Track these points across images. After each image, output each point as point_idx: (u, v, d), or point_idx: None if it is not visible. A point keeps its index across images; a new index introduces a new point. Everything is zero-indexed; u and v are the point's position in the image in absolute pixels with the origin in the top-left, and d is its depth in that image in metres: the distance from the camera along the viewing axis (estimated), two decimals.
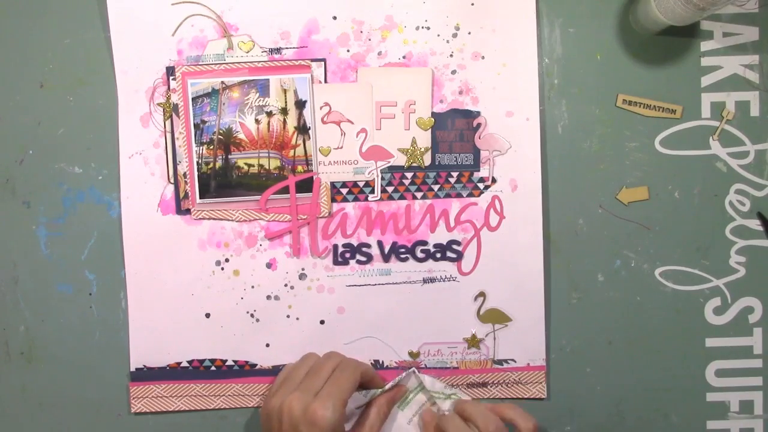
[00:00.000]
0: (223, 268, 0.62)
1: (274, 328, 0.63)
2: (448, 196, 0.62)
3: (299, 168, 0.62)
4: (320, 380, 0.54)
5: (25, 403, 0.64)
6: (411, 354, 0.63)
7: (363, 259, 0.63)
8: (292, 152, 0.61)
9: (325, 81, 0.61)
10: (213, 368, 0.63)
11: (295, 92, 0.61)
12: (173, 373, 0.63)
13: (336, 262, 0.63)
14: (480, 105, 0.62)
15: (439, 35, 0.61)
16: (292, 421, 0.52)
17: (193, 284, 0.63)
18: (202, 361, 0.63)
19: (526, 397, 0.63)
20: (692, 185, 0.63)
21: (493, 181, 0.62)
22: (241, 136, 0.61)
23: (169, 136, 0.62)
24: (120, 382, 0.63)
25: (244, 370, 0.63)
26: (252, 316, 0.63)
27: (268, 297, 0.63)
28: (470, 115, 0.62)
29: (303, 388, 0.54)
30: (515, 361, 0.63)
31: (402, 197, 0.62)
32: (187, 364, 0.63)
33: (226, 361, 0.63)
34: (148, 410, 0.63)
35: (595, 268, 0.63)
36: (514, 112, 0.62)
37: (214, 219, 0.62)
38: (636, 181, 0.63)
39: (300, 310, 0.63)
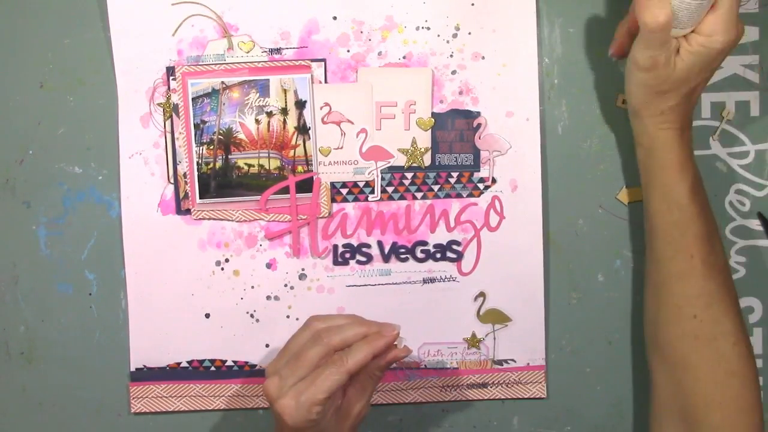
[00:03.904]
0: (223, 269, 0.62)
1: (274, 328, 0.63)
2: (448, 196, 0.62)
3: (299, 168, 0.62)
4: (302, 369, 0.51)
5: (25, 403, 0.64)
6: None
7: (363, 259, 0.63)
8: (292, 152, 0.61)
9: (325, 81, 0.61)
10: (213, 368, 0.63)
11: (295, 92, 0.61)
12: (173, 373, 0.63)
13: (336, 263, 0.63)
14: (480, 105, 0.62)
15: (439, 35, 0.61)
16: (269, 402, 0.51)
17: (193, 284, 0.63)
18: (201, 362, 0.63)
19: (526, 396, 0.63)
20: None
21: (493, 181, 0.62)
22: (241, 136, 0.61)
23: (169, 136, 0.62)
24: (120, 382, 0.63)
25: (244, 371, 0.63)
26: (252, 316, 0.63)
27: (268, 297, 0.63)
28: (470, 116, 0.62)
29: (284, 373, 0.51)
30: (515, 361, 0.63)
31: (402, 197, 0.62)
32: (187, 365, 0.63)
33: (225, 361, 0.63)
34: (148, 410, 0.63)
35: (595, 268, 0.63)
36: (514, 112, 0.62)
37: (214, 219, 0.62)
38: (636, 181, 0.63)
39: (300, 310, 0.63)
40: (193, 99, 0.61)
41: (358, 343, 0.51)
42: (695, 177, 0.56)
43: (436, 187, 0.62)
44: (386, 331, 0.52)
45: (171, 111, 0.61)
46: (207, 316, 0.63)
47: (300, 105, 0.61)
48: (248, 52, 0.61)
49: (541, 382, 0.63)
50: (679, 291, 0.55)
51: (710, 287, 0.55)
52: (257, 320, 0.63)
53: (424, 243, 0.63)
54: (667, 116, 0.55)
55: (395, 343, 0.52)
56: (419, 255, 0.63)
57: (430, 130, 0.62)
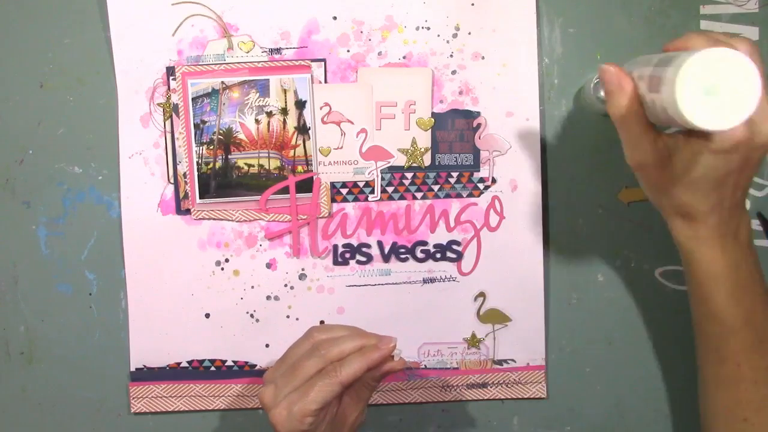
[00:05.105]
0: (223, 269, 0.62)
1: (274, 328, 0.63)
2: (448, 196, 0.62)
3: (299, 168, 0.62)
4: (297, 380, 0.51)
5: (25, 403, 0.64)
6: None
7: (363, 259, 0.63)
8: (292, 152, 0.61)
9: (325, 81, 0.61)
10: (213, 368, 0.63)
11: (295, 92, 0.61)
12: (173, 373, 0.63)
13: (336, 263, 0.63)
14: (480, 105, 0.62)
15: (439, 35, 0.61)
16: (264, 410, 0.51)
17: (193, 284, 0.63)
18: (201, 362, 0.63)
19: (525, 397, 0.63)
20: None
21: (493, 181, 0.62)
22: (241, 136, 0.61)
23: (169, 136, 0.62)
24: (120, 382, 0.64)
25: (244, 371, 0.63)
26: (252, 316, 0.63)
27: (268, 297, 0.63)
28: (470, 116, 0.62)
29: (281, 381, 0.51)
30: (515, 361, 0.63)
31: (402, 197, 0.62)
32: (187, 365, 0.63)
33: (225, 361, 0.63)
34: (148, 410, 0.63)
35: (595, 268, 0.63)
36: (514, 112, 0.62)
37: (214, 219, 0.62)
38: (636, 181, 0.62)
39: (300, 310, 0.63)
40: (193, 99, 0.61)
41: (353, 354, 0.51)
42: (736, 286, 0.50)
43: (436, 187, 0.62)
44: (383, 344, 0.52)
45: (171, 111, 0.61)
46: (207, 316, 0.63)
47: (300, 105, 0.61)
48: (248, 52, 0.61)
49: (541, 382, 0.63)
50: (729, 395, 0.52)
51: (762, 392, 0.51)
52: (257, 320, 0.63)
53: (424, 243, 0.63)
54: (689, 224, 0.49)
55: (392, 355, 0.52)
56: (419, 255, 0.63)
57: (430, 130, 0.62)
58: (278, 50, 0.61)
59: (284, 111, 0.61)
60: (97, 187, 0.62)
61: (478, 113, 0.62)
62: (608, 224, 0.63)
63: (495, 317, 0.63)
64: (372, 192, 0.62)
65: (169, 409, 0.63)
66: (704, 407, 0.55)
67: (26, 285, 0.63)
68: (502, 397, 0.64)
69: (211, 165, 0.61)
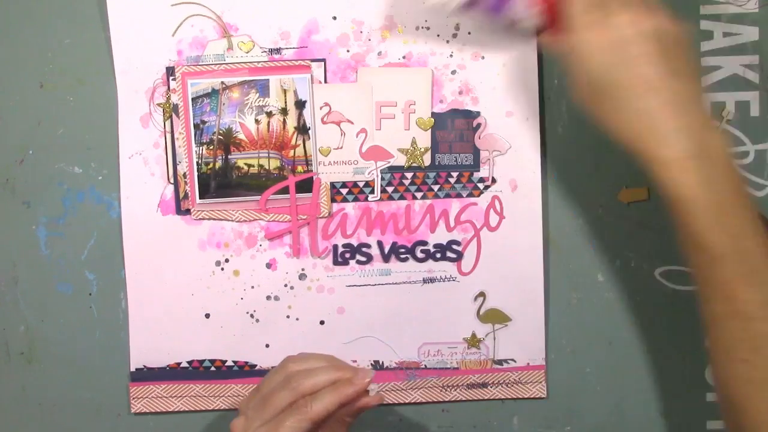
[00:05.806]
0: (223, 269, 0.62)
1: (274, 328, 0.63)
2: (448, 196, 0.62)
3: (299, 168, 0.62)
4: (267, 413, 0.50)
5: (25, 403, 0.64)
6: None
7: (363, 259, 0.63)
8: (292, 152, 0.61)
9: (325, 81, 0.61)
10: (213, 369, 0.63)
11: (295, 92, 0.61)
12: (173, 373, 0.63)
13: (336, 263, 0.63)
14: (480, 105, 0.62)
15: (439, 35, 0.61)
16: None
17: (193, 284, 0.63)
18: (201, 362, 0.63)
19: (525, 396, 0.63)
20: None
21: (493, 181, 0.62)
22: (241, 136, 0.61)
23: (169, 136, 0.62)
24: (120, 382, 0.64)
25: (244, 371, 0.63)
26: (252, 316, 0.63)
27: (268, 297, 0.63)
28: (470, 115, 0.62)
29: (251, 414, 0.51)
30: (515, 361, 0.63)
31: (402, 197, 0.62)
32: (187, 365, 0.63)
33: (225, 361, 0.63)
34: (148, 410, 0.63)
35: (595, 268, 0.63)
36: (514, 112, 0.62)
37: (214, 219, 0.62)
38: (636, 181, 0.63)
39: (300, 310, 0.63)
40: (192, 99, 0.61)
41: (325, 389, 0.50)
42: (719, 209, 0.45)
43: (436, 187, 0.62)
44: (357, 379, 0.50)
45: (171, 111, 0.61)
46: (207, 316, 0.63)
47: (300, 105, 0.61)
48: (248, 52, 0.61)
49: (541, 382, 0.63)
50: (724, 334, 0.48)
51: (759, 329, 0.46)
52: (257, 320, 0.63)
53: (424, 243, 0.63)
54: (647, 149, 0.47)
55: (368, 389, 0.51)
56: (419, 255, 0.63)
57: (429, 130, 0.62)
58: (278, 50, 0.61)
59: (284, 111, 0.61)
60: (97, 187, 0.62)
61: (478, 113, 0.62)
62: (608, 224, 0.63)
63: (495, 317, 0.63)
64: (372, 192, 0.62)
65: (169, 410, 0.63)
66: (709, 351, 0.50)
67: (26, 285, 0.63)
68: (502, 397, 0.64)
69: (211, 165, 0.61)
